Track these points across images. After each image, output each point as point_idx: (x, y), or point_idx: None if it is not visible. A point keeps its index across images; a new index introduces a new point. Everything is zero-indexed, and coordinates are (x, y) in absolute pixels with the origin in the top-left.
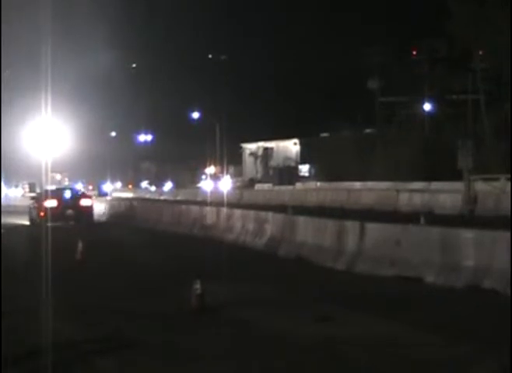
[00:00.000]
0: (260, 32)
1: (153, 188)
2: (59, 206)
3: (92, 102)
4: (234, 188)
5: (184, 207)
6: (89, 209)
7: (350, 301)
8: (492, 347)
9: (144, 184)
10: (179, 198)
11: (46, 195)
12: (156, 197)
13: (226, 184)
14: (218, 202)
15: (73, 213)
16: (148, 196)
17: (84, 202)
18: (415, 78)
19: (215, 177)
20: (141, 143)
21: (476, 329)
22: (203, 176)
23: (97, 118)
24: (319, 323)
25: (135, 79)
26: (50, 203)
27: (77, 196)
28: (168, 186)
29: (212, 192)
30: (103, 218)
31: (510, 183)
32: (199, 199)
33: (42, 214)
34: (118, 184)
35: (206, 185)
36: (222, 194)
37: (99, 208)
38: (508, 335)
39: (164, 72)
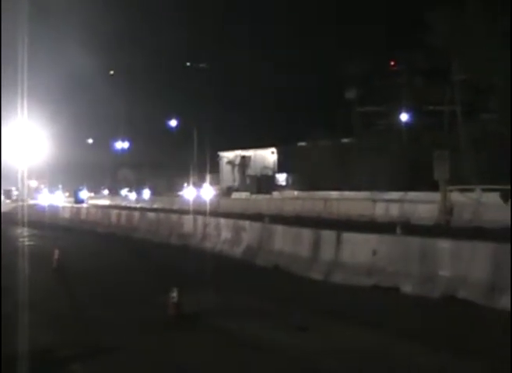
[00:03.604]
0: (239, 40)
1: (133, 196)
2: None
3: (70, 110)
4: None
5: (161, 215)
6: None
7: (327, 311)
8: (469, 357)
9: (124, 192)
10: (155, 206)
11: None
12: (133, 205)
13: (208, 192)
14: (195, 210)
15: None
16: (124, 203)
17: None
18: (394, 88)
19: (197, 185)
20: (118, 150)
21: (454, 338)
22: (185, 184)
23: (75, 125)
24: (297, 332)
25: (112, 86)
26: None
27: None
28: (146, 193)
29: (193, 200)
30: None
31: (483, 194)
32: (175, 207)
33: None
34: (105, 191)
35: (188, 193)
36: (200, 203)
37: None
38: (483, 345)
39: (142, 79)
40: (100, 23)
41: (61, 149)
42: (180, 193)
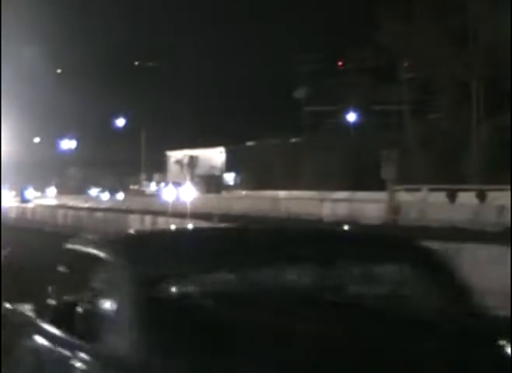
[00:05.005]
0: (188, 40)
1: (106, 196)
2: None
3: (16, 108)
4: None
5: (109, 214)
6: None
7: None
8: None
9: (94, 192)
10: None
11: None
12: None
13: (189, 192)
14: (145, 210)
15: None
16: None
17: None
18: (342, 87)
19: (176, 184)
20: (65, 149)
21: None
22: (158, 184)
23: (21, 124)
24: None
25: (59, 85)
26: None
27: None
28: (120, 194)
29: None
30: None
31: (430, 193)
32: (124, 207)
33: None
34: (52, 190)
35: (167, 193)
36: (147, 202)
37: None
38: None
39: (90, 78)
40: (48, 21)
41: (7, 148)
42: (158, 193)
